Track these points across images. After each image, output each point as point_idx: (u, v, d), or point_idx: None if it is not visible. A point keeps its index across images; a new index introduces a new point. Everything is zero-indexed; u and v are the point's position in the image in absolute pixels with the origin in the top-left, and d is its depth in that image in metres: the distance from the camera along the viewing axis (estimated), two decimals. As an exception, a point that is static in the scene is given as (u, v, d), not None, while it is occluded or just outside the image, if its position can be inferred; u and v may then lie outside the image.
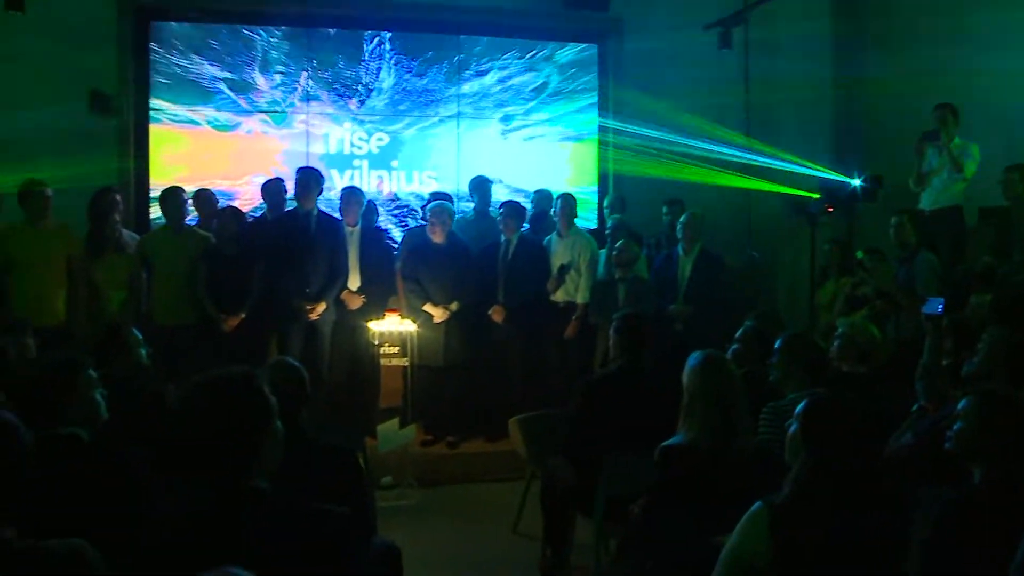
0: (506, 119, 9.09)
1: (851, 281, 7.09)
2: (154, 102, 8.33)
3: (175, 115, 8.38)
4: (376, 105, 8.83)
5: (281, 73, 8.62)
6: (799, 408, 2.69)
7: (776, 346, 4.04)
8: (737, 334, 4.69)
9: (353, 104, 8.79)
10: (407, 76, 8.89)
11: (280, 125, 8.61)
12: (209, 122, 8.46)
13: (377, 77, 8.84)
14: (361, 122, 8.80)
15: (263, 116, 8.57)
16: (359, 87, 8.81)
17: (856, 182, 8.07)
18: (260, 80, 8.58)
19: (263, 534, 2.08)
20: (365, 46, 8.81)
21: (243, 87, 8.52)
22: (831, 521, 2.49)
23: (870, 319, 5.56)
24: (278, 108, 8.62)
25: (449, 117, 8.96)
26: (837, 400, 2.71)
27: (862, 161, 8.39)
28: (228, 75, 8.47)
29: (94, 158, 7.77)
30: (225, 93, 8.47)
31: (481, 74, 9.05)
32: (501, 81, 9.09)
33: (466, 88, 9.01)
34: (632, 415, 4.27)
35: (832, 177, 8.31)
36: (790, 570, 2.49)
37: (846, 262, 7.34)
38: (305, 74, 8.68)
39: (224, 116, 8.49)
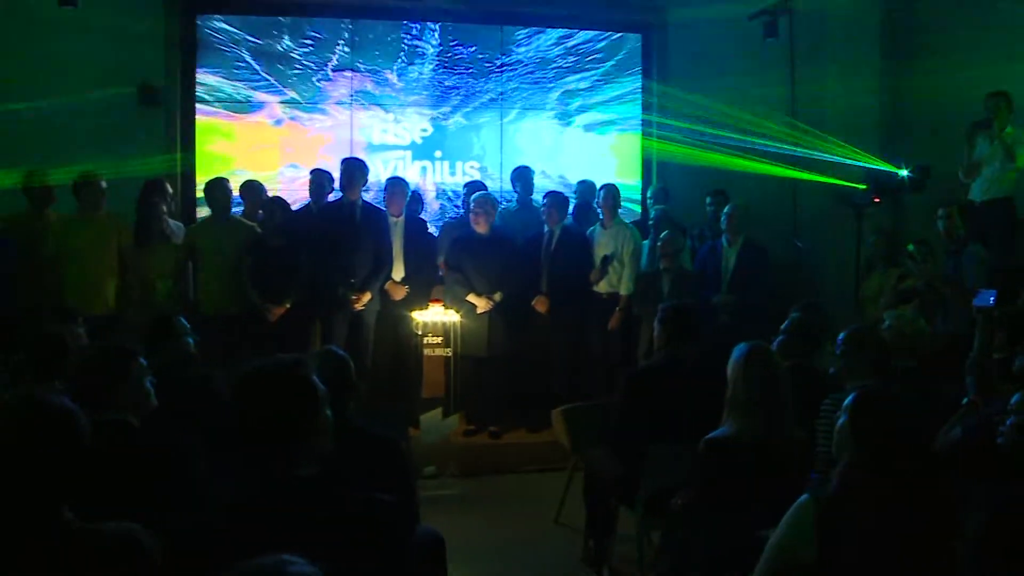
0: (563, 100, 9.04)
1: (898, 273, 6.99)
2: (200, 95, 8.41)
3: (221, 107, 8.45)
4: (421, 73, 8.80)
5: (314, 37, 8.60)
6: (847, 401, 2.66)
7: (840, 338, 3.98)
8: (783, 326, 4.65)
9: (392, 76, 8.76)
10: (452, 43, 8.86)
11: (320, 111, 8.63)
12: (247, 108, 8.51)
13: (422, 39, 8.81)
14: (403, 105, 8.78)
15: (306, 105, 8.60)
16: (401, 55, 8.77)
17: (903, 172, 7.95)
18: (302, 61, 8.59)
19: (310, 521, 2.10)
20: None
21: (285, 73, 8.55)
22: (878, 516, 2.47)
23: (918, 311, 5.48)
24: (317, 79, 8.62)
25: (493, 101, 8.92)
26: (886, 393, 2.68)
27: (910, 151, 8.26)
28: (272, 65, 8.51)
29: (142, 150, 7.88)
30: (270, 83, 8.51)
31: (539, 32, 9.01)
32: (560, 41, 9.05)
33: (521, 50, 8.96)
34: (676, 407, 4.25)
35: (879, 167, 8.19)
36: (836, 565, 2.47)
37: (892, 254, 7.24)
38: (341, 42, 8.66)
39: (268, 107, 8.53)
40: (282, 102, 8.55)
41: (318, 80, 8.64)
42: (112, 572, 2.05)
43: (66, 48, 7.73)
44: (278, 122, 8.60)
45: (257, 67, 8.49)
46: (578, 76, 9.06)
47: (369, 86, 8.73)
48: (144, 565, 2.09)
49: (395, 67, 8.77)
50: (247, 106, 8.50)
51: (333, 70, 8.66)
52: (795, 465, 3.44)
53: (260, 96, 8.52)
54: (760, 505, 3.07)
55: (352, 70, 8.69)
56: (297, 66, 8.59)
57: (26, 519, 2.04)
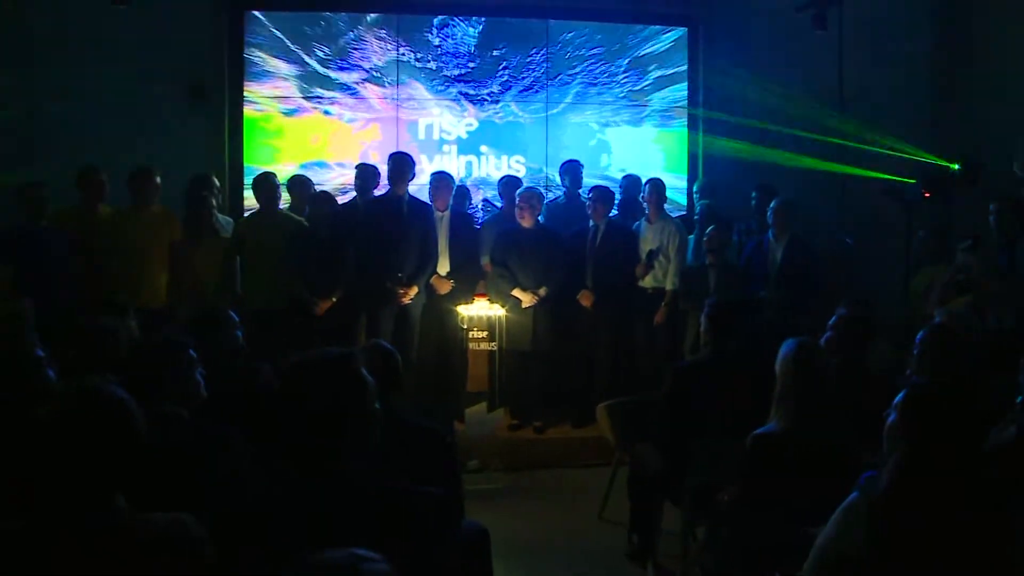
0: (609, 93, 8.99)
1: (947, 269, 6.86)
2: (248, 89, 8.48)
3: (269, 102, 8.51)
4: (466, 34, 8.77)
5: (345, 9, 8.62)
6: (898, 398, 2.62)
7: (918, 337, 3.91)
8: (830, 322, 4.60)
9: (432, 36, 8.72)
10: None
11: (363, 99, 8.63)
12: (297, 108, 8.58)
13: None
14: (446, 85, 8.75)
15: (354, 98, 8.62)
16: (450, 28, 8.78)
17: (955, 166, 7.81)
18: (353, 55, 8.62)
19: (357, 514, 2.12)
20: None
21: (334, 66, 8.58)
22: (929, 515, 2.43)
23: (971, 307, 5.39)
24: (352, 39, 8.62)
25: (538, 90, 8.88)
26: (937, 391, 2.64)
27: (962, 145, 8.11)
28: (319, 59, 8.55)
29: (191, 145, 7.99)
30: (318, 75, 8.55)
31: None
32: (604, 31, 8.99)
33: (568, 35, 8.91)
34: (722, 402, 4.24)
35: (930, 161, 8.06)
36: (887, 563, 2.45)
37: (942, 249, 7.12)
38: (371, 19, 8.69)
39: (317, 102, 8.58)
40: (322, 98, 8.58)
41: (353, 41, 8.60)
42: (163, 561, 2.09)
43: (116, 45, 7.84)
44: (294, 110, 8.61)
45: (309, 67, 8.55)
46: (624, 69, 9.00)
47: (408, 55, 8.68)
48: (194, 555, 2.13)
49: (436, 22, 8.73)
50: (293, 101, 8.55)
51: (370, 24, 8.61)
52: (843, 462, 3.40)
53: (306, 89, 8.56)
54: (807, 502, 3.05)
55: (393, 38, 8.65)
56: (335, 27, 8.61)
57: (80, 507, 2.09)
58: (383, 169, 7.22)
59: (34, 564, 2.03)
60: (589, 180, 7.96)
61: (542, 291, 6.81)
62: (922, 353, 3.85)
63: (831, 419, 3.46)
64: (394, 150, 7.56)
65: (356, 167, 7.47)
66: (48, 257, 6.43)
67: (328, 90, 8.58)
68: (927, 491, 2.46)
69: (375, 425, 2.22)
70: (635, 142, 9.03)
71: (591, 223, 7.07)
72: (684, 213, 8.40)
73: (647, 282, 7.07)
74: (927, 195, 7.89)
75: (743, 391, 4.19)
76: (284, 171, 7.69)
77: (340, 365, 2.18)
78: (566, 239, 7.09)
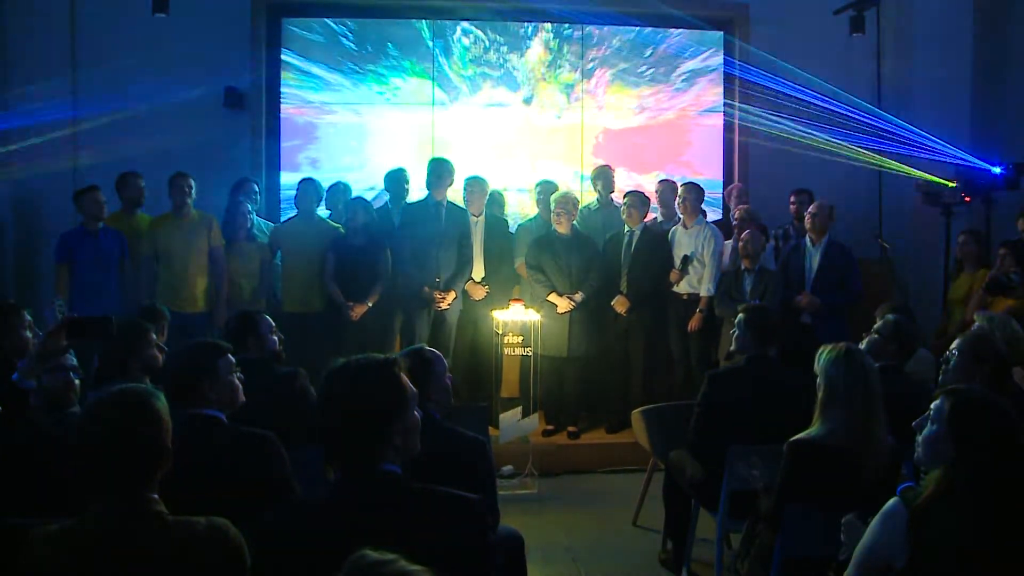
0: (643, 97, 8.93)
1: (988, 273, 6.75)
2: (285, 96, 8.54)
3: (305, 108, 8.57)
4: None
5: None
6: (942, 407, 2.57)
7: (956, 345, 3.84)
8: (875, 327, 4.56)
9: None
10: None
11: (401, 106, 8.66)
12: (333, 113, 8.63)
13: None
14: (481, 88, 8.76)
15: (391, 107, 8.67)
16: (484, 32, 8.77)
17: (996, 170, 7.71)
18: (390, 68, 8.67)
19: (395, 519, 2.12)
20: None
21: (369, 71, 8.63)
22: (975, 524, 2.39)
23: (1012, 312, 5.31)
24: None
25: (572, 93, 8.85)
26: (986, 398, 2.59)
27: (1003, 147, 7.99)
28: (355, 65, 8.60)
29: (228, 151, 8.07)
30: (354, 81, 8.59)
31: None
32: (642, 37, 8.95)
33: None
34: (759, 408, 4.21)
35: (970, 164, 7.95)
36: (928, 572, 2.41)
37: (982, 254, 7.02)
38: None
39: (353, 108, 8.63)
40: (358, 103, 8.63)
41: (388, 47, 8.62)
42: (202, 565, 2.11)
43: (156, 52, 7.94)
44: (331, 115, 8.64)
45: (339, 63, 8.59)
46: (660, 73, 8.97)
47: (443, 59, 8.70)
48: (232, 559, 2.14)
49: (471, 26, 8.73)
50: (329, 106, 8.60)
51: (405, 29, 8.66)
52: (883, 469, 3.36)
53: (342, 94, 8.61)
54: (848, 509, 3.01)
55: (429, 43, 8.67)
56: (371, 33, 8.64)
57: (118, 509, 2.11)
58: (413, 174, 7.25)
59: (75, 565, 2.06)
60: (625, 184, 7.94)
61: (578, 296, 6.78)
62: (958, 361, 3.77)
63: (876, 426, 3.41)
64: (429, 156, 7.58)
65: (387, 173, 7.47)
66: (104, 259, 6.52)
67: (364, 96, 8.62)
68: (974, 500, 2.41)
69: (414, 432, 2.23)
70: (670, 146, 8.98)
71: (625, 228, 7.04)
72: (720, 218, 8.33)
73: (682, 288, 7.02)
74: (967, 199, 7.79)
75: (779, 397, 4.16)
76: (320, 177, 7.72)
77: (382, 370, 2.19)
78: (601, 244, 7.07)
